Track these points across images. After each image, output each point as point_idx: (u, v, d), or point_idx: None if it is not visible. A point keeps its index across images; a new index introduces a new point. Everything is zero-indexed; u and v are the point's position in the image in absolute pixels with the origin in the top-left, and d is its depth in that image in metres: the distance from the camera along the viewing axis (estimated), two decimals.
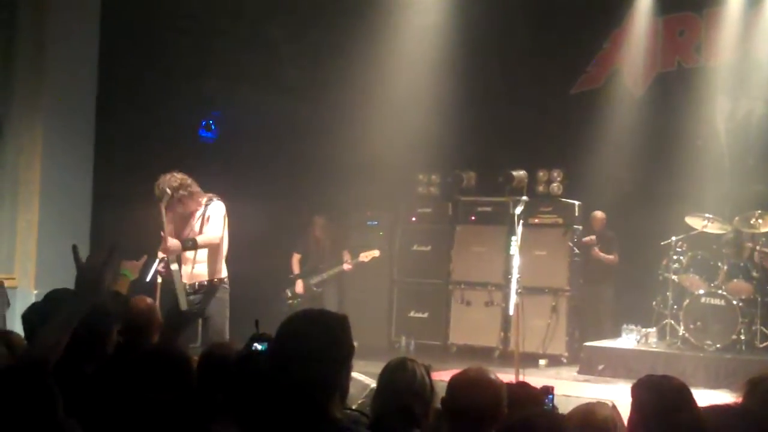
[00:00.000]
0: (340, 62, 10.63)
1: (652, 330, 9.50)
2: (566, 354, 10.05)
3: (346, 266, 10.23)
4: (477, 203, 10.85)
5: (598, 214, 10.63)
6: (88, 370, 3.42)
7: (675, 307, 9.37)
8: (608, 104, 11.30)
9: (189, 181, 6.70)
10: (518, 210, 7.46)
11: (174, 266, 6.55)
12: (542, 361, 9.87)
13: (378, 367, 3.77)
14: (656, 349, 9.27)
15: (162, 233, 6.52)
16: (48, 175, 8.55)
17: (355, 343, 2.60)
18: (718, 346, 8.93)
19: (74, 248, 2.92)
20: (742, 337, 8.95)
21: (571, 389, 7.87)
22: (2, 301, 7.70)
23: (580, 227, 10.53)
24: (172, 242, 6.53)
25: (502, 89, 11.38)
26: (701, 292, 9.16)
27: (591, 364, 9.29)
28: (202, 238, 6.69)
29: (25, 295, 8.07)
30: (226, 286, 6.85)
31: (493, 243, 10.33)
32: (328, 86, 10.77)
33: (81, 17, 8.81)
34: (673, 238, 9.50)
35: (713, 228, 9.45)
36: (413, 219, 11.33)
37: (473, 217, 10.91)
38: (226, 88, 10.58)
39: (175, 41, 9.94)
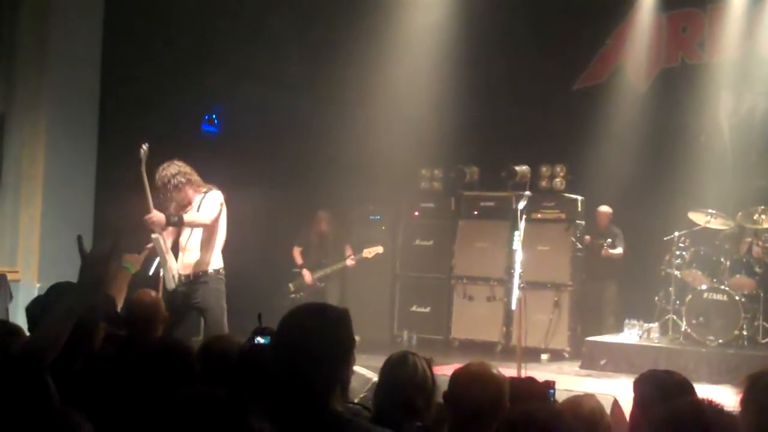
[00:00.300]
0: (344, 58, 10.62)
1: (655, 325, 9.47)
2: (568, 349, 10.04)
3: (350, 262, 10.25)
4: (480, 198, 10.84)
5: (604, 209, 10.53)
6: (75, 367, 3.34)
7: (677, 302, 9.36)
8: (611, 100, 11.26)
9: (188, 169, 6.70)
10: (521, 205, 7.45)
11: (154, 235, 6.46)
12: (544, 356, 9.86)
13: (380, 361, 3.78)
14: (658, 345, 9.26)
15: (146, 198, 6.43)
16: (51, 169, 8.56)
17: (357, 337, 2.61)
18: (720, 341, 8.93)
19: (79, 238, 2.90)
20: (745, 333, 8.96)
21: (573, 384, 7.86)
22: (5, 294, 7.73)
23: (583, 222, 10.50)
24: (157, 215, 6.46)
25: (504, 85, 11.36)
26: (704, 287, 9.16)
27: (593, 359, 9.29)
28: (188, 217, 6.64)
29: (28, 288, 8.09)
30: (222, 276, 6.77)
31: (496, 238, 10.35)
32: (331, 82, 10.76)
33: (84, 11, 8.81)
34: (676, 234, 9.50)
35: (716, 224, 9.44)
36: (416, 214, 11.31)
37: (476, 212, 10.89)
38: (228, 84, 10.58)
39: (177, 36, 9.94)
